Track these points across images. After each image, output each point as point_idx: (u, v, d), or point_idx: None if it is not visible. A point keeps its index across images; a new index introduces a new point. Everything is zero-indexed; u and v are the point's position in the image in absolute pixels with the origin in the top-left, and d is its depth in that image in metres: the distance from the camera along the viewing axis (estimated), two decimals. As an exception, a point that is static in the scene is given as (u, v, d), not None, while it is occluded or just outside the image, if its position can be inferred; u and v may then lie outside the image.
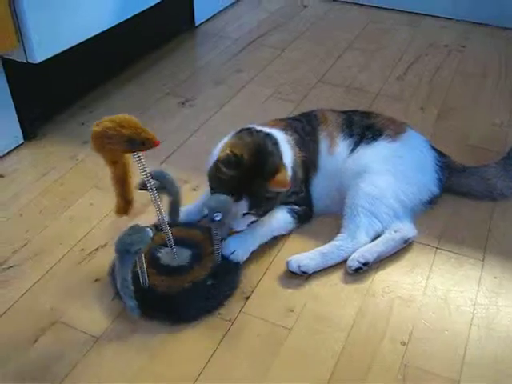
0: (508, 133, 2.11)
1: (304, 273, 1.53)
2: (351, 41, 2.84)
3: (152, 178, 1.39)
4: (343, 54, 2.72)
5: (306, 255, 1.55)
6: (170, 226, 1.48)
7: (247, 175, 1.47)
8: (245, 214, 1.52)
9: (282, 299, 1.47)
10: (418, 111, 2.27)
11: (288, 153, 1.61)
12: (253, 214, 1.52)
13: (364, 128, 1.74)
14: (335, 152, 1.71)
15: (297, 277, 1.53)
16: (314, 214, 1.72)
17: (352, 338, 1.37)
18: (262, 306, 1.45)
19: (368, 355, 1.34)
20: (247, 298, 1.47)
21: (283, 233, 1.65)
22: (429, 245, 1.63)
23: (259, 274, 1.54)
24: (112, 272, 1.48)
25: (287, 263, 1.54)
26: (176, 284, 1.43)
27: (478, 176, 1.78)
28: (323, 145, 1.72)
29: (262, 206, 1.52)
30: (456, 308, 1.45)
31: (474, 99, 2.36)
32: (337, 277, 1.53)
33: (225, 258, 1.51)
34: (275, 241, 1.63)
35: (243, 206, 1.49)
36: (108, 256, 1.55)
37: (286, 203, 1.63)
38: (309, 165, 1.69)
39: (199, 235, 1.56)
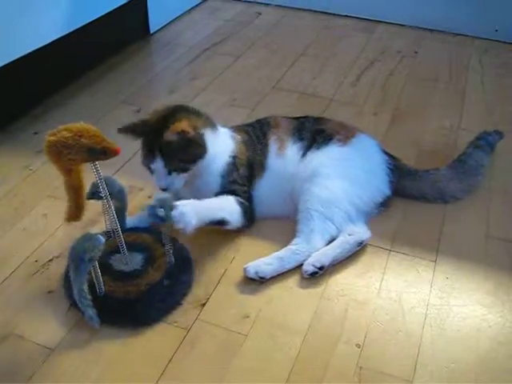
0: (458, 136, 2.15)
1: (262, 278, 1.53)
2: (305, 47, 2.87)
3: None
4: (297, 60, 2.74)
5: (263, 261, 1.56)
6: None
7: (154, 134, 1.57)
8: (170, 173, 1.57)
9: (238, 305, 1.48)
10: (371, 116, 2.30)
11: (228, 143, 1.70)
12: (175, 170, 1.57)
13: (314, 132, 1.77)
14: (284, 155, 1.73)
15: (252, 282, 1.53)
16: (268, 219, 1.74)
17: (308, 342, 1.39)
18: (218, 312, 1.46)
19: (324, 358, 1.35)
20: (203, 305, 1.47)
21: (232, 222, 1.62)
22: (382, 247, 1.66)
23: (215, 281, 1.54)
24: (66, 283, 1.47)
25: (245, 270, 1.54)
26: (133, 288, 1.44)
27: (428, 179, 1.81)
28: (272, 147, 1.74)
29: (174, 163, 1.57)
30: (409, 309, 1.48)
31: (426, 104, 2.40)
32: (292, 281, 1.55)
33: (177, 258, 1.52)
34: (230, 247, 1.65)
35: (159, 163, 1.56)
36: (62, 267, 1.54)
37: (229, 192, 1.65)
38: (255, 165, 1.72)
39: (148, 239, 1.57)
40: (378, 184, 1.73)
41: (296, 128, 1.79)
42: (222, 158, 1.67)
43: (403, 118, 2.29)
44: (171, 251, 1.50)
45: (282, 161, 1.73)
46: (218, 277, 1.56)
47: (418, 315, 1.46)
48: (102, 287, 1.42)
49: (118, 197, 1.53)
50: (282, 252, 1.58)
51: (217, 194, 1.65)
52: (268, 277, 1.54)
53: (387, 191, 1.75)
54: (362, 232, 1.63)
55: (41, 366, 1.32)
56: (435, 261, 1.62)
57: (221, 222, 1.61)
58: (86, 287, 1.34)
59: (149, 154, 1.59)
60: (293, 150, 1.74)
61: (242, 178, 1.69)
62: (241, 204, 1.64)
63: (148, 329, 1.41)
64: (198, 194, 1.62)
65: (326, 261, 1.56)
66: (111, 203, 1.42)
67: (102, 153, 1.29)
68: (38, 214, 1.76)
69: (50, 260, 1.59)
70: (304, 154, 1.73)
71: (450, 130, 2.21)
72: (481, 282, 1.56)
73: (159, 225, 1.46)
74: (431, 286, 1.54)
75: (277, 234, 1.68)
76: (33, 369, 1.31)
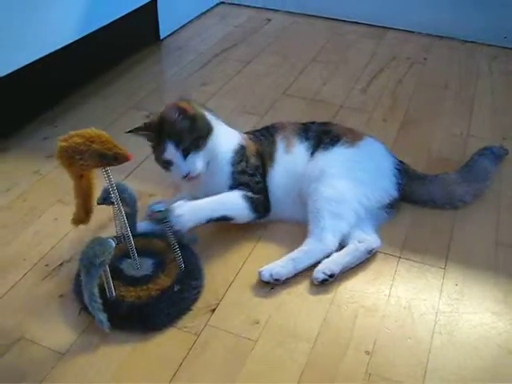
0: (468, 142, 2.15)
1: (277, 281, 1.54)
2: (315, 54, 2.88)
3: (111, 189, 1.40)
4: (307, 66, 2.75)
5: (277, 264, 1.56)
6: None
7: (159, 126, 1.62)
8: (186, 156, 1.60)
9: (248, 311, 1.48)
10: (381, 123, 2.30)
11: (235, 134, 1.76)
12: (189, 150, 1.60)
13: (320, 132, 1.79)
14: (292, 152, 1.76)
15: (262, 288, 1.54)
16: (277, 223, 1.74)
17: (317, 349, 1.39)
18: (228, 318, 1.46)
19: (333, 365, 1.35)
20: (213, 310, 1.47)
21: (237, 218, 1.65)
22: (391, 254, 1.66)
23: (225, 287, 1.54)
24: (76, 288, 1.48)
25: (259, 274, 1.55)
26: (144, 293, 1.45)
27: (438, 183, 1.82)
28: (280, 145, 1.77)
29: (186, 140, 1.60)
30: (419, 316, 1.48)
31: (435, 110, 2.40)
32: (302, 287, 1.55)
33: (187, 264, 1.53)
34: (240, 252, 1.65)
35: (171, 149, 1.60)
36: (73, 271, 1.55)
37: (239, 184, 1.67)
38: (265, 155, 1.75)
39: (158, 244, 1.58)
40: (384, 185, 1.73)
41: (302, 129, 1.81)
42: (229, 145, 1.70)
43: (413, 125, 2.29)
44: (181, 257, 1.51)
45: (290, 158, 1.75)
46: (228, 282, 1.56)
47: (428, 322, 1.46)
48: (113, 291, 1.42)
49: (129, 202, 1.53)
50: (295, 253, 1.59)
51: (229, 188, 1.67)
52: (283, 279, 1.55)
53: (394, 193, 1.75)
54: (372, 240, 1.64)
55: (51, 370, 1.32)
56: (444, 268, 1.62)
57: (223, 219, 1.63)
58: (96, 291, 1.35)
59: (159, 147, 1.62)
60: (300, 149, 1.76)
61: (253, 168, 1.70)
62: (248, 199, 1.65)
63: (158, 334, 1.41)
64: (211, 190, 1.65)
65: (336, 268, 1.56)
66: (122, 208, 1.43)
67: (113, 159, 1.30)
68: (48, 218, 1.77)
69: (61, 264, 1.60)
70: (312, 154, 1.75)
71: (460, 136, 2.21)
72: (490, 289, 1.56)
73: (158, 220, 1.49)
74: (441, 293, 1.54)
75: (286, 239, 1.69)
76: (43, 373, 1.31)
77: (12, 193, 1.86)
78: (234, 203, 1.64)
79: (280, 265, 1.56)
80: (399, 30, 3.16)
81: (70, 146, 1.26)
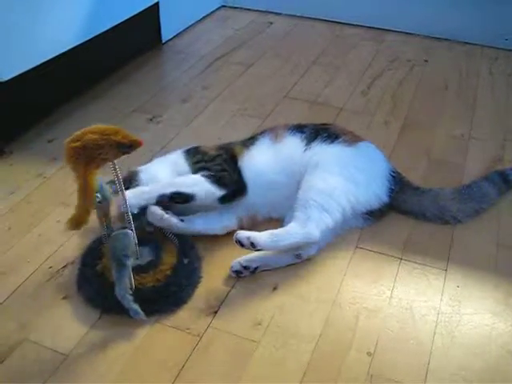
0: (469, 145, 2.16)
1: (253, 245, 1.52)
2: (316, 56, 2.88)
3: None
4: (308, 69, 2.76)
5: (256, 233, 1.54)
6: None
7: None
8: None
9: (250, 312, 1.49)
10: (382, 125, 2.31)
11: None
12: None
13: (317, 129, 1.80)
14: (283, 142, 1.77)
15: (264, 289, 1.55)
16: (278, 222, 1.72)
17: (319, 350, 1.39)
18: (230, 319, 1.47)
19: (335, 366, 1.36)
20: (215, 312, 1.48)
21: (199, 195, 1.62)
22: (393, 256, 1.66)
23: (227, 288, 1.55)
24: (88, 294, 1.51)
25: (235, 237, 1.53)
26: (160, 275, 1.51)
27: (430, 195, 1.79)
28: (263, 138, 1.80)
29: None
30: (420, 317, 1.48)
31: (436, 112, 2.41)
32: (304, 289, 1.56)
33: (180, 241, 1.61)
34: (242, 254, 1.64)
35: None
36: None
37: (198, 170, 1.70)
38: (235, 148, 1.78)
39: (144, 231, 1.61)
40: (376, 190, 1.73)
41: (294, 126, 1.83)
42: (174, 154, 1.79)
43: (414, 127, 2.29)
44: (171, 234, 1.59)
45: (279, 146, 1.76)
46: (230, 284, 1.57)
47: (429, 323, 1.47)
48: (133, 283, 1.46)
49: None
50: (277, 230, 1.58)
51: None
52: (260, 245, 1.52)
53: (385, 198, 1.74)
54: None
55: (55, 371, 1.33)
56: (446, 269, 1.62)
57: (181, 197, 1.62)
58: (127, 283, 1.40)
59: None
60: (293, 139, 1.78)
61: (211, 156, 1.73)
62: (209, 176, 1.65)
63: (160, 335, 1.42)
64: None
65: (253, 264, 1.59)
66: (127, 203, 1.42)
67: (129, 146, 1.30)
68: (52, 220, 1.77)
69: (65, 266, 1.61)
70: (308, 144, 1.75)
71: (461, 138, 2.22)
72: (491, 290, 1.57)
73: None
74: (442, 295, 1.55)
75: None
76: (47, 374, 1.32)
77: (16, 195, 1.87)
78: (189, 180, 1.65)
79: (259, 234, 1.54)
80: (400, 32, 3.17)
81: (87, 143, 1.24)
